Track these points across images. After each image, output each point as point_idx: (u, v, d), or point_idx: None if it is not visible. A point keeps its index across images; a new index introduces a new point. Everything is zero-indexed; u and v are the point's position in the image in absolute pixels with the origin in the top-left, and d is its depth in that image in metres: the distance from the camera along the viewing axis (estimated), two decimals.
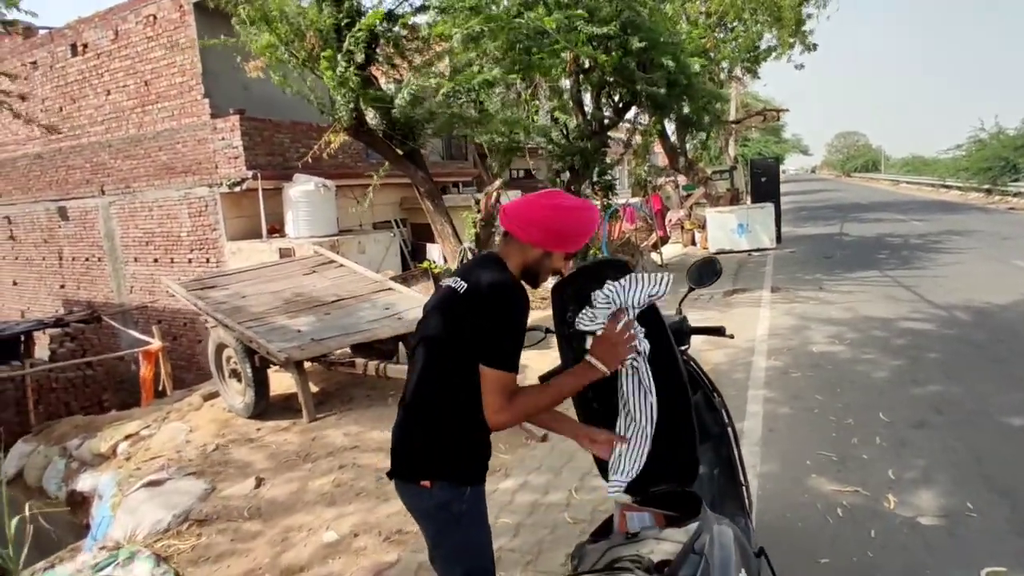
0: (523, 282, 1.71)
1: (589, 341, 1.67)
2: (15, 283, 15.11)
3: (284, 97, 10.20)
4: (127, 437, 5.41)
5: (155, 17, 10.87)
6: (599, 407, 1.85)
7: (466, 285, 1.63)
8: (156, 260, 11.93)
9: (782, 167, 67.10)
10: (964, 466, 3.39)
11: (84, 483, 5.17)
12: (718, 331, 2.27)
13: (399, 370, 4.72)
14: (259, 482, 4.04)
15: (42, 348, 11.56)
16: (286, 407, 5.41)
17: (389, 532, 3.22)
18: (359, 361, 4.80)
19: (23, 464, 5.97)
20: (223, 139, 10.41)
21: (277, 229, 10.73)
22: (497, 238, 7.67)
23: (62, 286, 13.86)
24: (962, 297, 7.41)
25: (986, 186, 24.65)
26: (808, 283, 9.16)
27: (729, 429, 2.28)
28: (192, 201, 11.06)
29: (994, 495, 3.06)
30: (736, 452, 2.26)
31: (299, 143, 11.38)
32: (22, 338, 10.93)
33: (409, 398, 1.72)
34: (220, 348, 5.40)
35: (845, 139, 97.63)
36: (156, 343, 9.35)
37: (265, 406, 5.20)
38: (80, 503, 5.18)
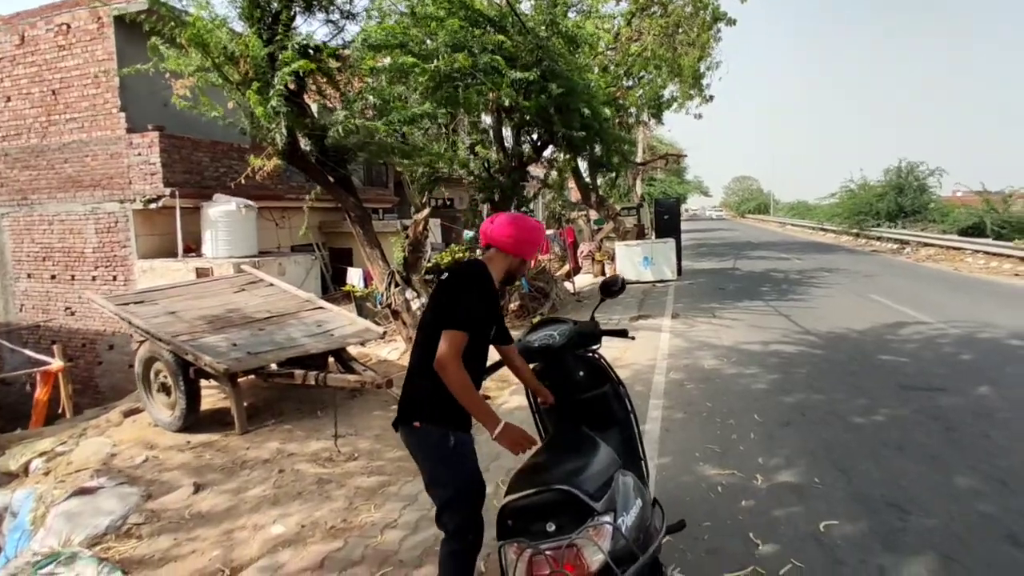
0: (503, 282, 2.35)
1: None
2: None
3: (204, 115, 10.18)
4: (42, 454, 5.28)
5: (68, 26, 10.58)
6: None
7: (447, 274, 2.25)
8: (54, 277, 11.34)
9: (686, 207, 71.71)
10: (816, 453, 4.16)
11: None
12: (622, 333, 2.83)
13: (338, 379, 5.00)
14: (197, 488, 4.18)
15: None
16: (214, 420, 5.49)
17: (334, 524, 3.52)
18: (297, 372, 5.02)
19: None
20: (139, 155, 10.19)
21: (193, 248, 10.57)
22: (423, 262, 8.08)
23: None
24: (828, 324, 8.59)
25: (854, 230, 28.07)
26: (703, 311, 10.18)
27: (631, 415, 2.82)
28: (100, 216, 10.70)
29: (837, 472, 3.83)
30: (637, 431, 2.81)
31: (218, 163, 11.33)
32: None
33: (409, 367, 2.27)
34: (149, 362, 5.42)
35: (740, 183, 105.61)
36: (57, 363, 8.91)
37: (195, 419, 5.28)
38: None
